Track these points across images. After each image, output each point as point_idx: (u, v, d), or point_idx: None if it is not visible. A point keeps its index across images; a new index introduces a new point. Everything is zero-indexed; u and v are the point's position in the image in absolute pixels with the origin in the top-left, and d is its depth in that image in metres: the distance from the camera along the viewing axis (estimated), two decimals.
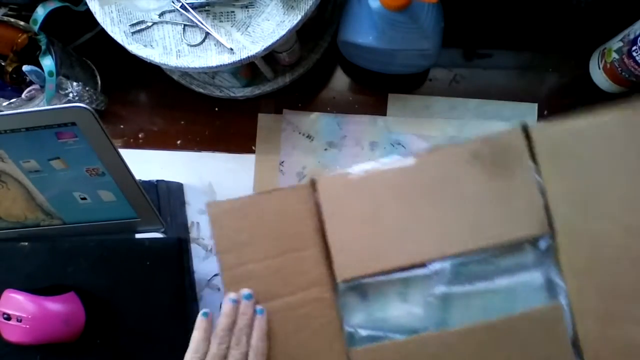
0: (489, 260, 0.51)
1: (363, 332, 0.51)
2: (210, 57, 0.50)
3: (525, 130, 0.50)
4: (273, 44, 0.49)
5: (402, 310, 0.51)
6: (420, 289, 0.51)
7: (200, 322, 0.50)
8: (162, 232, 0.55)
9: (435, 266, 0.50)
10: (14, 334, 0.46)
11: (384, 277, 0.51)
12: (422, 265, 0.50)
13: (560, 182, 0.49)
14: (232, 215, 0.52)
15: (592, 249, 0.48)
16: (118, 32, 0.51)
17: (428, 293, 0.51)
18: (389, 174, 0.51)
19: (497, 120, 0.61)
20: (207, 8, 0.50)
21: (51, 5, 0.54)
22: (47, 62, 0.55)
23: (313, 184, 0.52)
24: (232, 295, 0.50)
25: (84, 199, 0.50)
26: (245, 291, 0.51)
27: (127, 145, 0.64)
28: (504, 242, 0.50)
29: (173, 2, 0.50)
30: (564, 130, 0.50)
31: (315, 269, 0.50)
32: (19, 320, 0.45)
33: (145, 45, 0.51)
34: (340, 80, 0.64)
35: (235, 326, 0.50)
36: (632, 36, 0.53)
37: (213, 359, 0.49)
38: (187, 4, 0.50)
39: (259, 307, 0.51)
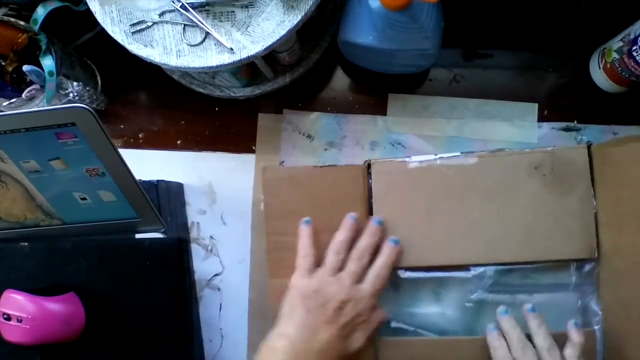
0: (531, 275, 0.50)
1: (393, 324, 0.51)
2: (210, 57, 0.50)
3: (589, 149, 0.49)
4: (273, 43, 0.49)
5: (434, 309, 0.51)
6: (457, 291, 0.50)
7: (303, 229, 0.51)
8: (162, 232, 0.55)
9: (478, 271, 0.49)
10: (14, 334, 0.46)
11: (422, 274, 0.50)
12: (465, 268, 0.49)
13: (613, 209, 0.48)
14: (285, 184, 0.52)
15: (636, 283, 0.47)
16: (118, 32, 0.51)
17: (465, 297, 0.50)
18: (446, 169, 0.50)
19: (497, 120, 0.61)
20: (207, 8, 0.50)
21: (51, 5, 0.54)
22: (47, 62, 0.55)
23: (368, 166, 0.51)
24: (352, 213, 0.51)
25: (84, 199, 0.50)
26: (377, 217, 0.51)
27: (127, 145, 0.64)
28: (551, 260, 0.49)
29: (173, 1, 0.50)
30: (627, 154, 0.48)
31: None
32: (19, 320, 0.45)
33: (145, 45, 0.51)
34: (340, 80, 0.64)
35: (359, 242, 0.51)
36: (632, 36, 0.53)
37: (328, 266, 0.49)
38: (187, 3, 0.50)
39: (394, 237, 0.50)
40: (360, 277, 0.49)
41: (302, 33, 0.55)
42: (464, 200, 0.50)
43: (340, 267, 0.50)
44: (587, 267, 0.49)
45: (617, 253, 0.47)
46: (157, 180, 0.58)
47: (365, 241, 0.50)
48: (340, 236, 0.51)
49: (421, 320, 0.51)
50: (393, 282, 0.51)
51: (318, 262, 0.51)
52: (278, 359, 0.45)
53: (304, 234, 0.51)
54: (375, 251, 0.51)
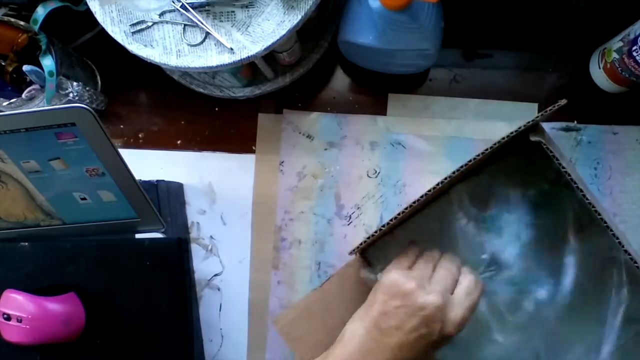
0: None
1: None
2: (210, 57, 0.50)
3: None
4: (273, 43, 0.49)
5: None
6: None
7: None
8: (162, 232, 0.55)
9: None
10: (14, 334, 0.46)
11: None
12: None
13: None
14: (300, 322, 0.53)
15: None
16: (118, 32, 0.51)
17: None
18: None
19: (497, 121, 0.61)
20: (207, 8, 0.50)
21: (51, 5, 0.54)
22: (47, 62, 0.55)
23: (362, 253, 0.52)
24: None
25: (84, 199, 0.50)
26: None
27: (127, 145, 0.64)
28: None
29: (173, 2, 0.50)
30: None
31: None
32: (19, 320, 0.45)
33: (145, 45, 0.51)
34: (340, 80, 0.64)
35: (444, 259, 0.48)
36: (632, 36, 0.53)
37: (422, 273, 0.45)
38: (187, 3, 0.50)
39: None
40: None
41: (302, 33, 0.55)
42: None
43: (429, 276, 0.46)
44: None
45: None
46: (157, 180, 0.58)
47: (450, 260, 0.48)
48: (436, 251, 0.48)
49: None
50: None
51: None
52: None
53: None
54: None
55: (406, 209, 0.46)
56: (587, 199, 0.44)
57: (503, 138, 0.46)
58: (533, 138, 0.46)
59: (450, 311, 0.43)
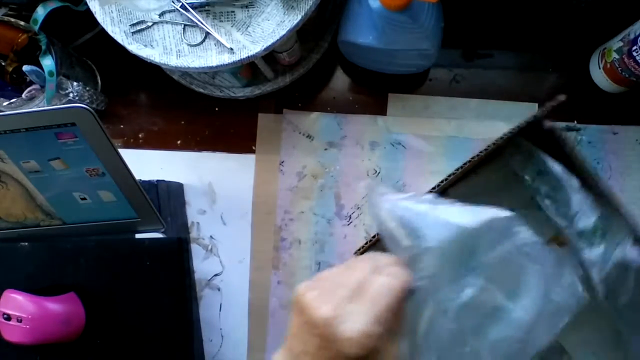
0: None
1: None
2: (210, 57, 0.50)
3: None
4: (273, 44, 0.49)
5: None
6: None
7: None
8: (162, 232, 0.55)
9: None
10: (14, 334, 0.46)
11: None
12: None
13: None
14: None
15: None
16: (118, 32, 0.51)
17: None
18: None
19: (497, 120, 0.61)
20: (207, 8, 0.50)
21: (51, 5, 0.54)
22: (47, 62, 0.55)
23: None
24: None
25: (84, 199, 0.50)
26: None
27: (127, 145, 0.64)
28: None
29: (173, 2, 0.50)
30: None
31: None
32: (19, 320, 0.45)
33: (145, 45, 0.51)
34: (340, 80, 0.64)
35: None
36: (632, 36, 0.53)
37: None
38: (187, 3, 0.50)
39: None
40: None
41: (302, 33, 0.55)
42: None
43: None
44: None
45: None
46: (157, 180, 0.58)
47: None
48: None
49: None
50: None
51: None
52: None
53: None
54: None
55: None
56: (605, 189, 0.44)
57: (501, 137, 0.46)
58: (547, 125, 0.46)
59: (342, 324, 0.32)
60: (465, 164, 0.46)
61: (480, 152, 0.46)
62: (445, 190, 0.54)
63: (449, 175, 0.47)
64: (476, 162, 0.47)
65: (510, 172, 0.56)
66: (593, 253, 0.48)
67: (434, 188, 0.46)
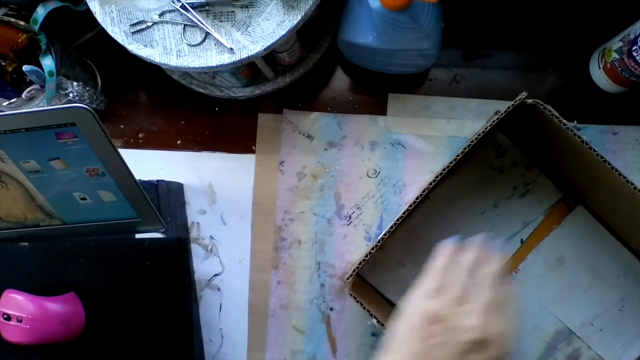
0: None
1: None
2: (210, 57, 0.50)
3: None
4: (273, 44, 0.49)
5: None
6: None
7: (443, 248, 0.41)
8: (162, 232, 0.55)
9: None
10: (14, 334, 0.46)
11: None
12: None
13: None
14: None
15: None
16: (118, 32, 0.51)
17: None
18: None
19: None
20: (207, 8, 0.50)
21: (51, 5, 0.54)
22: (47, 62, 0.55)
23: None
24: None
25: (84, 199, 0.50)
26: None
27: (127, 145, 0.64)
28: None
29: (173, 2, 0.50)
30: None
31: None
32: (19, 320, 0.45)
33: (145, 45, 0.51)
34: (340, 80, 0.64)
35: (481, 268, 0.40)
36: (632, 36, 0.53)
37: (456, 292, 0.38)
38: (187, 3, 0.50)
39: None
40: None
41: (302, 33, 0.55)
42: None
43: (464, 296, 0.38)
44: None
45: None
46: (157, 180, 0.58)
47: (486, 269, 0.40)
48: (463, 260, 0.40)
49: None
50: None
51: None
52: None
53: (443, 252, 0.41)
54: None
55: (390, 229, 0.47)
56: (597, 153, 0.45)
57: (475, 137, 0.47)
58: (529, 101, 0.47)
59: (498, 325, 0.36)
60: (445, 167, 0.47)
61: (458, 154, 0.47)
62: (428, 195, 0.55)
63: (430, 183, 0.47)
64: (456, 163, 0.48)
65: (487, 166, 0.59)
66: None
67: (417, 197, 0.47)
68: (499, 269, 0.40)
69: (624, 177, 0.45)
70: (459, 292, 0.38)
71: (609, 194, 0.50)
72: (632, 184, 0.45)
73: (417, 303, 0.38)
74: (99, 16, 0.51)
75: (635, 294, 0.56)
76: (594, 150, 0.45)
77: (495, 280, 0.39)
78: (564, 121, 0.45)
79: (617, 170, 0.45)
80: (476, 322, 0.35)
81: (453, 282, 0.39)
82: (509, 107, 0.46)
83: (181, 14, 0.50)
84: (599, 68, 0.59)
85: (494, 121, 0.47)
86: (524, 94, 0.47)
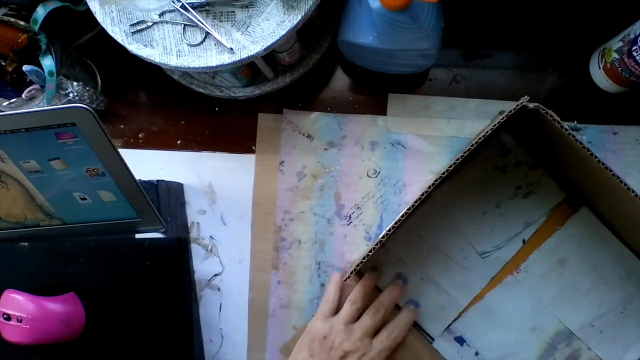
0: None
1: None
2: (210, 57, 0.50)
3: None
4: (273, 44, 0.49)
5: None
6: None
7: (334, 275, 0.54)
8: (162, 232, 0.55)
9: None
10: (14, 334, 0.46)
11: None
12: None
13: None
14: None
15: None
16: (118, 32, 0.51)
17: None
18: None
19: None
20: (207, 8, 0.50)
21: (51, 5, 0.54)
22: (47, 62, 0.55)
23: None
24: (372, 272, 0.54)
25: (84, 199, 0.50)
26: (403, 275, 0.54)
27: (127, 145, 0.64)
28: None
29: (173, 2, 0.50)
30: None
31: None
32: (19, 320, 0.45)
33: (145, 45, 0.51)
34: (340, 80, 0.64)
35: (379, 296, 0.52)
36: (632, 36, 0.53)
37: (343, 314, 0.50)
38: (187, 3, 0.50)
39: (415, 300, 0.54)
40: (372, 332, 0.50)
41: (302, 33, 0.55)
42: None
43: (356, 318, 0.50)
44: None
45: None
46: (157, 180, 0.58)
47: (385, 297, 0.52)
48: (361, 287, 0.52)
49: None
50: None
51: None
52: None
53: (334, 280, 0.53)
54: (393, 305, 0.53)
55: (391, 228, 0.47)
56: (599, 160, 0.45)
57: (479, 138, 0.47)
58: (530, 105, 0.46)
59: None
60: (449, 166, 0.47)
61: (461, 154, 0.47)
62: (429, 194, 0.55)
63: (433, 183, 0.47)
64: (459, 163, 0.48)
65: (491, 165, 0.58)
66: None
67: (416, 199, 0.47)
68: (387, 299, 0.52)
69: (626, 185, 0.45)
70: (344, 315, 0.50)
71: (612, 198, 0.49)
72: (633, 191, 0.45)
73: (311, 325, 0.51)
74: (99, 16, 0.51)
75: (637, 296, 0.55)
76: (596, 157, 0.45)
77: (376, 309, 0.51)
78: (566, 126, 0.45)
79: (618, 177, 0.45)
80: (348, 338, 0.48)
81: (343, 307, 0.51)
82: (510, 111, 0.46)
83: (181, 14, 0.50)
84: (599, 68, 0.59)
85: (497, 123, 0.46)
86: (525, 98, 0.46)
